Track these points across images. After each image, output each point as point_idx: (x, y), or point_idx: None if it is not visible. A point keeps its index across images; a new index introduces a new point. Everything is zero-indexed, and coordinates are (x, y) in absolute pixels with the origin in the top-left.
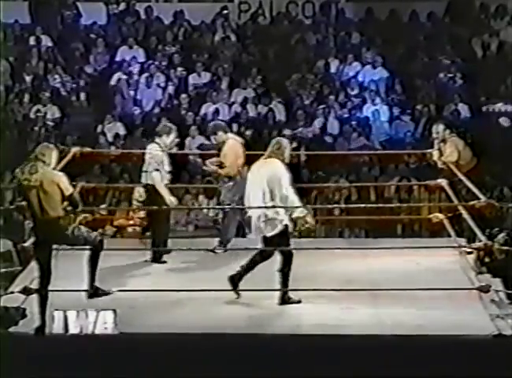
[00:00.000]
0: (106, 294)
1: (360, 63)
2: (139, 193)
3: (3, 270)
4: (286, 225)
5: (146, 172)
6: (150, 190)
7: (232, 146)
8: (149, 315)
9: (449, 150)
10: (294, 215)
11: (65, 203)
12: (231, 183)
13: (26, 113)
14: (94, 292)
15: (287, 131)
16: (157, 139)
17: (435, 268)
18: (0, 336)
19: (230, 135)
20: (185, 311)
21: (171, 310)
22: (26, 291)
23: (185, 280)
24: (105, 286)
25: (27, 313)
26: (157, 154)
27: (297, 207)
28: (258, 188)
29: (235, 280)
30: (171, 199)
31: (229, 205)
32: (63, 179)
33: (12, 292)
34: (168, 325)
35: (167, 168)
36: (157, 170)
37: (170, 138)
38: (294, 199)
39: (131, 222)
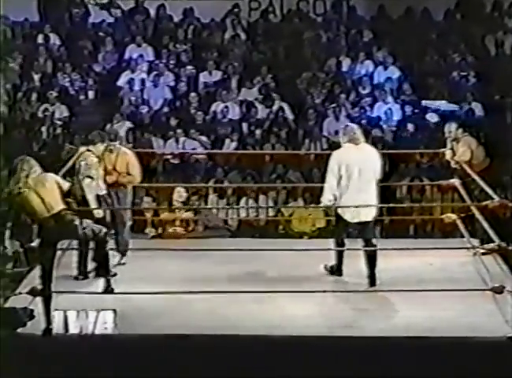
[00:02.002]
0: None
1: (372, 61)
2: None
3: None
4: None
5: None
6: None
7: (135, 157)
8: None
9: (462, 149)
10: None
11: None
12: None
13: (34, 112)
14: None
15: None
16: (90, 147)
17: (448, 269)
18: (3, 337)
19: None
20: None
21: (179, 311)
22: (34, 292)
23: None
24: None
25: (35, 314)
26: (92, 160)
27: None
28: (364, 172)
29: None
30: (99, 212)
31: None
32: (56, 177)
33: (19, 293)
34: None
35: (101, 177)
36: (91, 177)
37: (103, 147)
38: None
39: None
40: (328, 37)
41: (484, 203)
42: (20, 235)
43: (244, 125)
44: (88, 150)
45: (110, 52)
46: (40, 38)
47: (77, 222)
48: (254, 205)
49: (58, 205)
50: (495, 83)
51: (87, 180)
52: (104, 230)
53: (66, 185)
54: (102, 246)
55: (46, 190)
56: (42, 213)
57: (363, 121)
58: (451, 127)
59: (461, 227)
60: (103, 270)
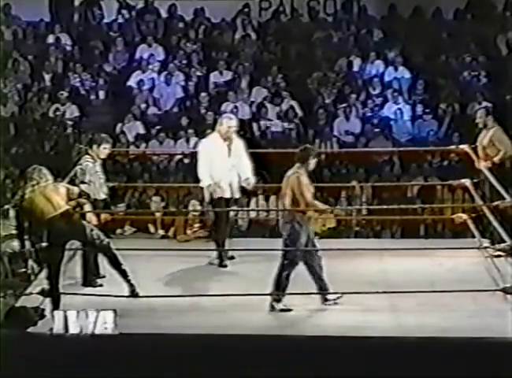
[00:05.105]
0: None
1: (382, 61)
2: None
3: (22, 270)
4: None
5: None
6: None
7: None
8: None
9: (495, 150)
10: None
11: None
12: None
13: (45, 112)
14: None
15: None
16: (89, 150)
17: (458, 270)
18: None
19: None
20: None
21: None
22: (44, 293)
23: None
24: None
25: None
26: (87, 165)
27: None
28: None
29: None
30: (91, 217)
31: None
32: (67, 185)
33: (30, 293)
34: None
35: (101, 180)
36: (84, 183)
37: (106, 150)
38: None
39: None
40: (339, 37)
41: (495, 203)
42: (31, 234)
43: (254, 125)
44: (88, 154)
45: (121, 52)
46: (51, 39)
47: (88, 229)
48: (263, 208)
49: (66, 205)
50: (507, 83)
51: (82, 186)
52: (107, 239)
53: (75, 189)
54: (108, 253)
55: (54, 193)
56: (49, 212)
57: (374, 121)
58: (481, 114)
59: (472, 227)
60: (123, 276)
